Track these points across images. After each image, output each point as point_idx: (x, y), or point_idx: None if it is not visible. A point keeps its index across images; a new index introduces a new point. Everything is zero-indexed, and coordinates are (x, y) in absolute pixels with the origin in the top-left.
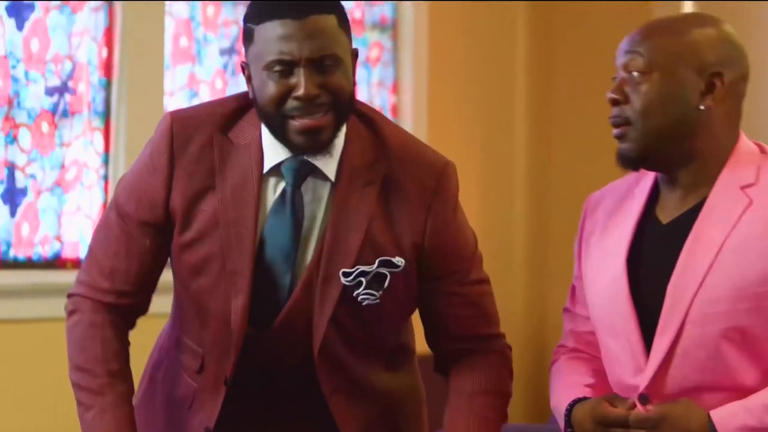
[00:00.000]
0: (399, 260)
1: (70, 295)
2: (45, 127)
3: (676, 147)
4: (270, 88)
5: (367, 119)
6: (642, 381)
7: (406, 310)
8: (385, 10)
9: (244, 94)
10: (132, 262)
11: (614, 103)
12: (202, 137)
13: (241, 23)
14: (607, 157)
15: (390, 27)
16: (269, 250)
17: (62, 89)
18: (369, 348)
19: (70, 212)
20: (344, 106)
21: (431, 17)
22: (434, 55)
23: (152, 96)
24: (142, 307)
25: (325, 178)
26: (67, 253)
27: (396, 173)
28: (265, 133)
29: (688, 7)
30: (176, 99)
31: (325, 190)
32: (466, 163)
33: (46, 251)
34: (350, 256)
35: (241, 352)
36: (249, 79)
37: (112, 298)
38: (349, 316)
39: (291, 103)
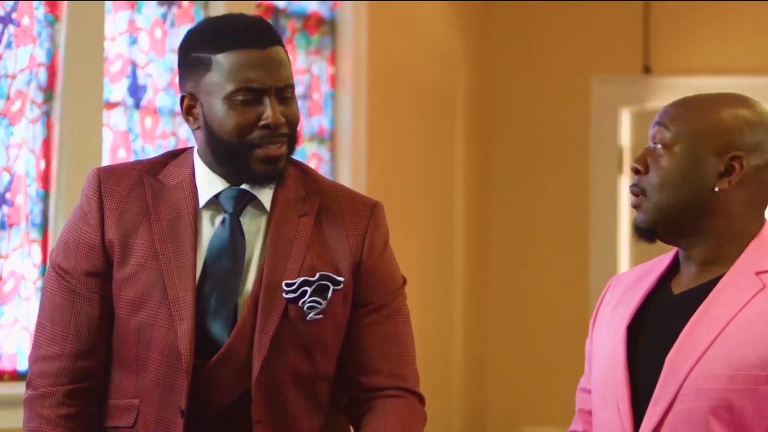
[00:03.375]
0: (340, 278)
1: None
2: None
3: (688, 224)
4: (233, 117)
5: (294, 161)
6: None
7: (341, 335)
8: (323, 122)
9: (169, 152)
10: (81, 320)
11: (635, 172)
12: (131, 179)
13: (183, 52)
14: (546, 251)
15: (328, 138)
16: (211, 279)
17: (0, 201)
18: (309, 386)
19: (8, 324)
20: (295, 139)
21: (369, 130)
22: (372, 167)
23: None
24: (98, 372)
25: (261, 209)
26: (5, 366)
27: (330, 204)
28: (199, 170)
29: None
30: None
31: (262, 222)
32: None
33: None
34: (291, 277)
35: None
36: (189, 110)
37: (66, 363)
38: (290, 338)
39: (257, 132)
